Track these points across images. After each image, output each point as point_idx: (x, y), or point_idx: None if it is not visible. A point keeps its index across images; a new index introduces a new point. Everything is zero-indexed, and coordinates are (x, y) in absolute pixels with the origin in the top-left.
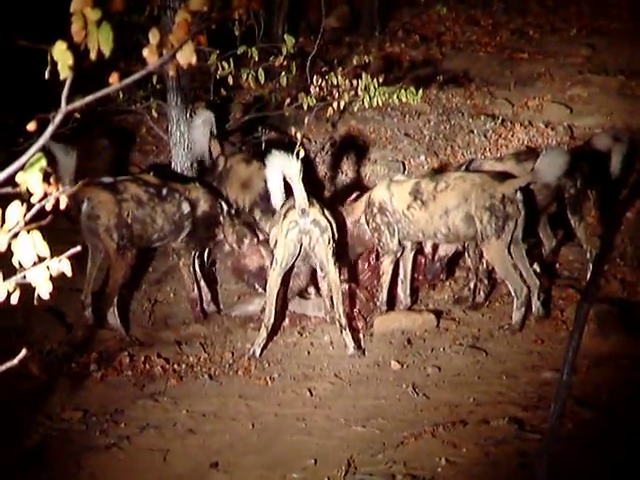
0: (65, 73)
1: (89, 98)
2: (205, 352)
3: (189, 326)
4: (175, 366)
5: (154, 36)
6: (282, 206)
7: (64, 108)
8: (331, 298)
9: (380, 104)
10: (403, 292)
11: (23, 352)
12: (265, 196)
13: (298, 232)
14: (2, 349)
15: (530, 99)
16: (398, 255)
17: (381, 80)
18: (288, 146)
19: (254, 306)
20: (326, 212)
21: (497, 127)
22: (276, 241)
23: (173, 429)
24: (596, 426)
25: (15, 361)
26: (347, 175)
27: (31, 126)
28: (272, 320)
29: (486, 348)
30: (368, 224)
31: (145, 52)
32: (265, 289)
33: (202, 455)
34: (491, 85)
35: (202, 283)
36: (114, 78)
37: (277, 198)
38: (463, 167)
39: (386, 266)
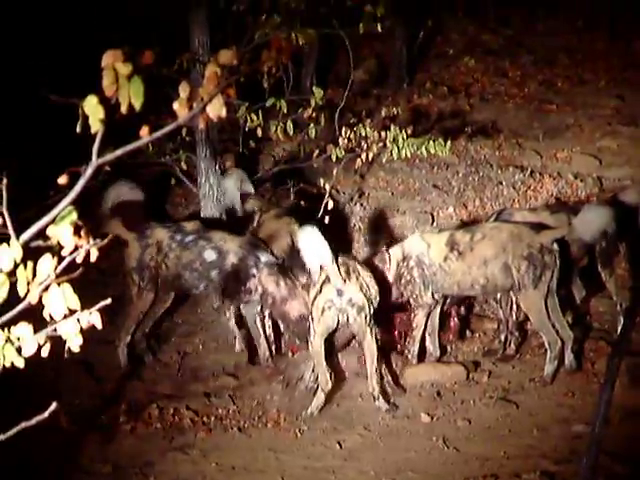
0: (96, 127)
1: (120, 152)
2: (234, 404)
3: (218, 378)
4: (204, 418)
5: (184, 89)
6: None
7: (95, 161)
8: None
9: (408, 156)
10: (432, 344)
11: (53, 405)
12: (291, 253)
13: (334, 311)
14: (33, 403)
15: (559, 150)
16: (432, 308)
17: (409, 132)
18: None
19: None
20: (366, 280)
21: (526, 179)
22: (311, 313)
23: None
24: None
25: (45, 414)
26: (376, 227)
27: (62, 179)
28: (329, 385)
29: (517, 401)
30: (401, 277)
31: (175, 105)
32: (304, 339)
33: None
34: (520, 136)
35: (262, 341)
36: (144, 131)
37: (314, 272)
38: (493, 217)
39: (420, 319)
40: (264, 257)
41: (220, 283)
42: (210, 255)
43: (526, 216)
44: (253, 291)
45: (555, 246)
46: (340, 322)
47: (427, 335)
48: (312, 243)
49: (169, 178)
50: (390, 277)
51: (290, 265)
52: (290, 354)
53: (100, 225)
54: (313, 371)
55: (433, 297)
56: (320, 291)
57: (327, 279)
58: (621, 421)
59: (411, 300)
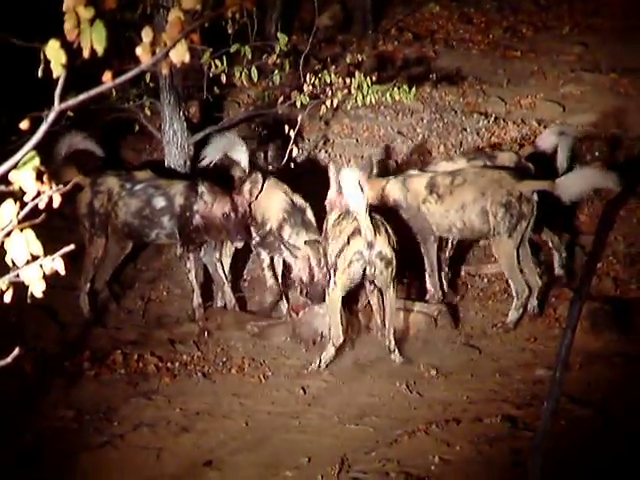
0: (58, 71)
1: (82, 97)
2: (199, 350)
3: (183, 324)
4: (168, 364)
5: (147, 34)
6: (339, 217)
7: (57, 106)
8: (381, 315)
9: (373, 102)
10: (433, 286)
11: (16, 351)
12: (292, 210)
13: (362, 263)
14: None
15: (523, 97)
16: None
17: (374, 78)
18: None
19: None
20: (391, 233)
21: (490, 125)
22: (336, 264)
23: (166, 427)
24: (589, 423)
25: (8, 359)
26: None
27: (24, 125)
28: (341, 339)
29: (479, 346)
30: None
31: (138, 50)
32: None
33: (195, 453)
34: (484, 83)
35: (226, 288)
36: (107, 77)
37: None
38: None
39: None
40: (202, 188)
41: (173, 229)
42: (159, 202)
43: (444, 166)
44: (199, 227)
45: (535, 196)
46: (366, 275)
47: (427, 276)
48: (351, 187)
49: (133, 124)
50: None
51: (289, 229)
52: (294, 315)
53: (55, 173)
54: None
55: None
56: (348, 243)
57: (356, 231)
58: (582, 365)
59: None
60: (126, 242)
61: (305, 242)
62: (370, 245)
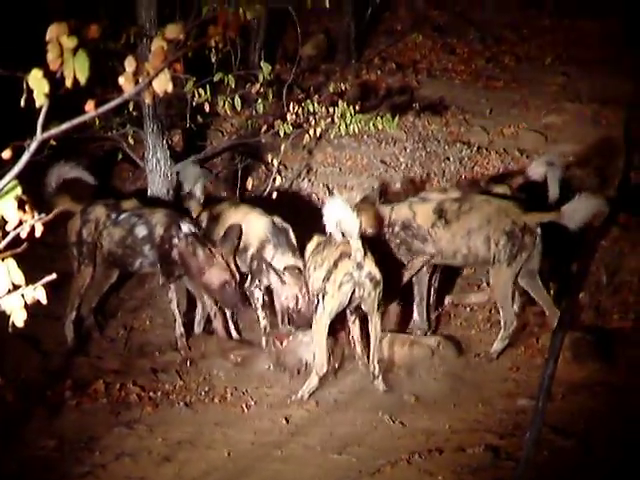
0: (41, 101)
1: (65, 126)
2: (181, 379)
3: (165, 353)
4: (151, 394)
5: (130, 64)
6: (319, 246)
7: (39, 136)
8: (362, 342)
9: (356, 131)
10: (419, 315)
11: None
12: (274, 230)
13: (352, 285)
14: None
15: (505, 127)
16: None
17: (357, 107)
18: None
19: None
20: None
21: (473, 154)
22: (324, 289)
23: (148, 457)
24: (571, 454)
25: None
26: (323, 202)
27: (6, 154)
28: (325, 369)
29: (462, 375)
30: (389, 242)
31: (121, 80)
32: (230, 306)
33: None
34: (467, 113)
35: (207, 301)
36: (90, 106)
37: (338, 237)
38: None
39: (416, 265)
40: (185, 227)
41: (154, 258)
42: (141, 231)
43: (438, 196)
44: (177, 261)
45: (538, 229)
46: (354, 297)
47: (415, 305)
48: (339, 215)
49: (116, 153)
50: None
51: (272, 249)
52: (279, 344)
53: (48, 203)
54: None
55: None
56: (335, 266)
57: (343, 255)
58: (564, 396)
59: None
60: (112, 271)
61: (285, 268)
62: (359, 266)
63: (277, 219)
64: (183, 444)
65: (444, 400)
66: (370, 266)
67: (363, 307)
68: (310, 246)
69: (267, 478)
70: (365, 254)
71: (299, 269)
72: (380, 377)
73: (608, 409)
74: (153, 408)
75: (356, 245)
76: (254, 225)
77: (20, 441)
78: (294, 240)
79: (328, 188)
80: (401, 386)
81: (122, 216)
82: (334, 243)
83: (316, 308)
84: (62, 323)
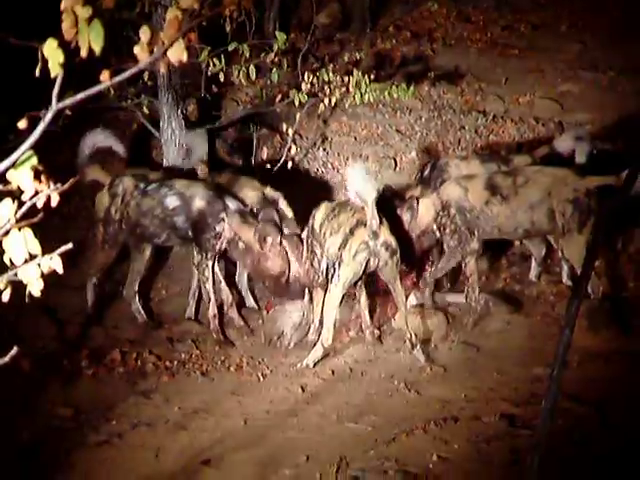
0: (56, 71)
1: (80, 96)
2: (197, 349)
3: (181, 323)
4: (167, 363)
5: (145, 33)
6: (334, 211)
7: (55, 106)
8: (367, 311)
9: (371, 100)
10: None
11: (14, 349)
12: (264, 203)
13: (367, 254)
14: None
15: (521, 95)
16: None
17: (372, 77)
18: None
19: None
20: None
21: (488, 123)
22: (340, 256)
23: (165, 426)
24: (587, 422)
25: (6, 358)
26: (338, 171)
27: (22, 124)
28: (331, 340)
29: (477, 344)
30: (444, 227)
31: (136, 49)
32: (288, 297)
33: (194, 452)
34: (482, 81)
35: (223, 286)
36: (105, 76)
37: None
38: (428, 168)
39: (471, 267)
40: (233, 204)
41: (188, 231)
42: (172, 202)
43: (459, 165)
44: (222, 236)
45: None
46: (370, 266)
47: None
48: (359, 180)
49: (131, 123)
50: (419, 228)
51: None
52: (265, 312)
53: (80, 171)
54: (300, 325)
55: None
56: (352, 233)
57: (358, 223)
58: (580, 364)
59: (457, 249)
60: (145, 247)
61: (282, 236)
62: (375, 235)
63: (267, 190)
64: (199, 413)
65: (459, 369)
66: (386, 234)
67: (382, 276)
68: (320, 213)
69: (282, 446)
70: (381, 222)
71: (298, 236)
72: (419, 348)
73: (624, 377)
74: (169, 377)
75: (372, 212)
76: (246, 198)
77: (36, 410)
78: (287, 209)
79: (343, 157)
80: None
81: (151, 186)
82: (350, 209)
83: (331, 277)
84: (80, 292)
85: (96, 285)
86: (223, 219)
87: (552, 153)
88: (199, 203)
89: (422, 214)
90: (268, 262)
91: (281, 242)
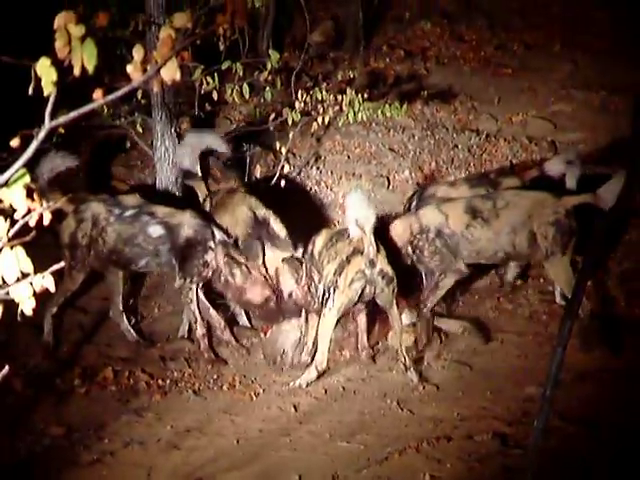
0: (49, 89)
1: (73, 114)
2: (189, 367)
3: (173, 341)
4: (159, 381)
5: (138, 52)
6: (332, 239)
7: (47, 124)
8: (366, 332)
9: (365, 119)
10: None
11: (6, 368)
12: (255, 225)
13: (364, 282)
14: None
15: (514, 114)
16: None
17: (366, 95)
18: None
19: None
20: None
21: (481, 142)
22: (335, 283)
23: (157, 445)
24: (579, 441)
25: None
26: (332, 190)
27: (14, 142)
28: (325, 365)
29: (470, 363)
30: (421, 250)
31: (129, 68)
32: (273, 320)
33: (186, 471)
34: (475, 100)
35: (212, 312)
36: (98, 94)
37: (355, 234)
38: (415, 199)
39: (446, 284)
40: (218, 234)
41: (172, 259)
42: (156, 230)
43: (447, 191)
44: (210, 265)
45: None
46: (365, 294)
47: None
48: (358, 207)
49: (124, 141)
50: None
51: (261, 240)
52: (262, 335)
53: (41, 197)
54: (299, 343)
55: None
56: (348, 262)
57: (355, 251)
58: (572, 383)
59: (439, 268)
60: (117, 271)
61: (283, 260)
62: (372, 263)
63: (260, 211)
64: (191, 431)
65: (452, 388)
66: (382, 263)
67: (379, 302)
68: (320, 240)
69: (275, 465)
70: (378, 250)
71: (296, 258)
72: (412, 368)
73: (616, 396)
74: (162, 396)
75: (369, 240)
76: (239, 219)
77: (28, 429)
78: (278, 230)
79: (337, 176)
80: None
81: (128, 212)
82: (347, 237)
83: (326, 302)
84: (72, 310)
85: (54, 315)
86: (212, 248)
87: (542, 176)
88: (187, 232)
89: (398, 235)
90: (248, 294)
91: (250, 270)
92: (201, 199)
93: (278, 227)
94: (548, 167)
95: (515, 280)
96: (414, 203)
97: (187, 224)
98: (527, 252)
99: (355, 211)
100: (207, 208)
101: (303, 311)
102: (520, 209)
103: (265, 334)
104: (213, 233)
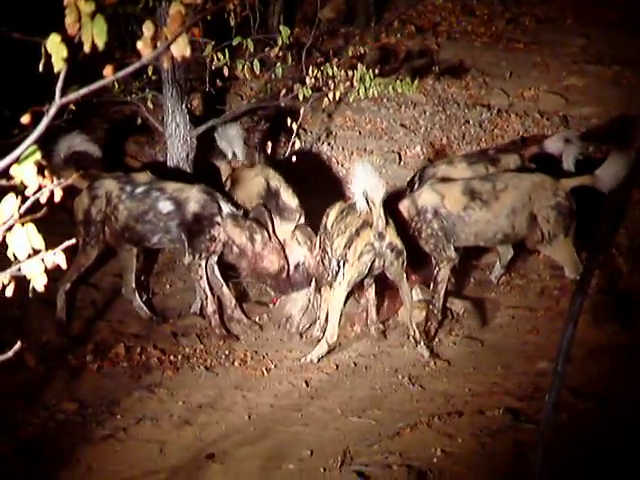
0: (59, 66)
1: (83, 90)
2: (201, 343)
3: (185, 318)
4: (171, 357)
5: (148, 28)
6: (342, 212)
7: (58, 101)
8: (375, 307)
9: (376, 95)
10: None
11: (18, 344)
12: (267, 195)
13: (373, 255)
14: None
15: (526, 89)
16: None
17: (377, 71)
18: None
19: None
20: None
21: (493, 117)
22: (345, 256)
23: (169, 420)
24: (591, 416)
25: (10, 353)
26: (343, 165)
27: (25, 119)
28: (335, 338)
29: (481, 338)
30: (420, 232)
31: (139, 44)
32: (285, 291)
33: (198, 446)
34: (487, 75)
35: (224, 289)
36: (108, 71)
37: (362, 206)
38: (416, 181)
39: (444, 275)
40: (226, 207)
41: (181, 234)
42: (165, 206)
43: (446, 170)
44: (217, 239)
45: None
46: (374, 267)
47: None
48: (366, 180)
49: (135, 117)
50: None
51: (268, 209)
52: (271, 305)
53: (55, 174)
54: (306, 309)
55: (456, 250)
56: (357, 234)
57: (365, 224)
58: (583, 358)
59: (434, 254)
60: (130, 248)
61: (295, 227)
62: (381, 236)
63: (273, 182)
64: (203, 407)
65: (463, 363)
66: (392, 236)
67: (389, 276)
68: (333, 213)
69: (287, 441)
70: (387, 223)
71: (310, 226)
72: (422, 342)
73: (627, 371)
74: (173, 372)
75: (378, 213)
76: (252, 189)
77: (41, 405)
78: (289, 201)
79: (348, 151)
80: (420, 349)
81: (139, 189)
82: (357, 210)
83: (336, 275)
84: (83, 286)
85: (67, 291)
86: (218, 222)
87: (541, 153)
88: (194, 207)
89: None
90: (264, 261)
91: (270, 237)
92: (224, 178)
93: (289, 197)
94: (547, 144)
95: (498, 280)
96: (416, 185)
97: (194, 199)
98: (525, 234)
99: (363, 183)
100: (228, 186)
101: (313, 280)
102: (520, 191)
103: (274, 304)
104: (220, 207)
